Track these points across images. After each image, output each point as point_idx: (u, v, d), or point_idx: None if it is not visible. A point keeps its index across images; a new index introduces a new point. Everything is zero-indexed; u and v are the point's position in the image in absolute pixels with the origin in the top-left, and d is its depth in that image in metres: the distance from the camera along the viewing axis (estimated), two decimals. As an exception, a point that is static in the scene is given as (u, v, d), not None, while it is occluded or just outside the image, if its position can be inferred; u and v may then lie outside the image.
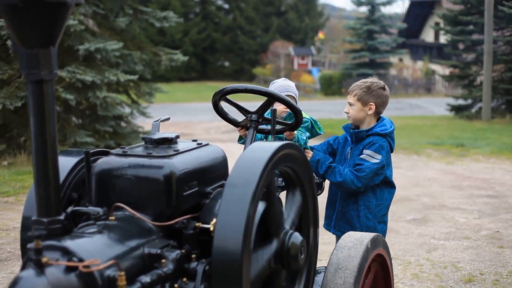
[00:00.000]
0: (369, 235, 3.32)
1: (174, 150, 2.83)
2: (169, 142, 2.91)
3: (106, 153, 3.08)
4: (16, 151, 13.69)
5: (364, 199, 4.39)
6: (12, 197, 9.99)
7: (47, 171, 2.34)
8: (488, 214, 8.94)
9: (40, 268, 2.14)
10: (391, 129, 4.45)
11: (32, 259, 2.15)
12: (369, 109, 4.44)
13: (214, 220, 2.57)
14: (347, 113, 4.49)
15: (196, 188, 2.84)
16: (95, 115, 14.42)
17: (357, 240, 3.25)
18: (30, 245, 2.25)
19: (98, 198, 2.80)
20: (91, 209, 2.67)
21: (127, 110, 15.27)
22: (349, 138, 4.52)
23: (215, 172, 3.02)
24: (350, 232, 3.41)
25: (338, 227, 4.49)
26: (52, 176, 2.35)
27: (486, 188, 10.86)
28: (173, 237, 2.69)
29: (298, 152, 2.90)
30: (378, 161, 4.32)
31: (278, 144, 2.71)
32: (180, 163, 2.75)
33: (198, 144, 3.05)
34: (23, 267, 2.33)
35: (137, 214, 2.66)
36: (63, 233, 2.38)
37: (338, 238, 4.46)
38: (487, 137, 18.33)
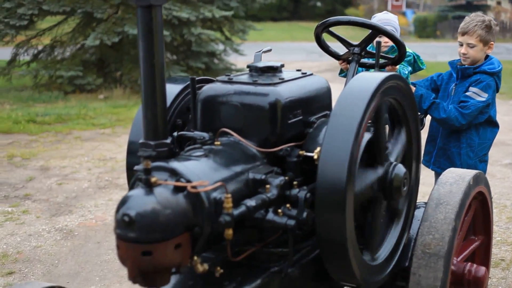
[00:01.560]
0: (471, 172, 3.25)
1: (279, 79, 2.81)
2: (274, 70, 2.89)
3: (210, 81, 3.09)
4: (112, 85, 14.02)
5: (467, 136, 4.30)
6: (109, 129, 10.28)
7: (154, 95, 2.33)
8: None
9: (149, 187, 2.17)
10: (499, 68, 4.31)
11: (141, 178, 2.18)
12: (488, 48, 4.31)
13: (318, 148, 2.56)
14: (465, 53, 4.33)
15: (300, 117, 2.82)
16: (189, 51, 14.55)
17: (459, 176, 3.18)
18: (138, 167, 2.29)
19: (203, 124, 2.81)
20: (197, 133, 2.69)
21: (220, 47, 15.32)
22: (454, 74, 4.40)
23: (319, 102, 2.99)
24: (452, 168, 3.34)
25: (438, 164, 4.43)
26: (159, 100, 2.35)
27: None
28: (276, 164, 2.69)
29: (404, 84, 2.84)
30: (484, 99, 4.20)
31: (384, 74, 2.66)
32: (285, 91, 2.74)
33: (302, 73, 3.02)
34: (131, 188, 2.37)
35: (243, 140, 2.67)
36: (169, 156, 2.40)
37: (437, 174, 4.41)
38: None
